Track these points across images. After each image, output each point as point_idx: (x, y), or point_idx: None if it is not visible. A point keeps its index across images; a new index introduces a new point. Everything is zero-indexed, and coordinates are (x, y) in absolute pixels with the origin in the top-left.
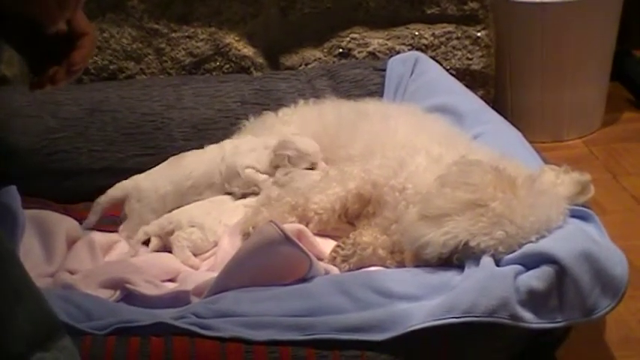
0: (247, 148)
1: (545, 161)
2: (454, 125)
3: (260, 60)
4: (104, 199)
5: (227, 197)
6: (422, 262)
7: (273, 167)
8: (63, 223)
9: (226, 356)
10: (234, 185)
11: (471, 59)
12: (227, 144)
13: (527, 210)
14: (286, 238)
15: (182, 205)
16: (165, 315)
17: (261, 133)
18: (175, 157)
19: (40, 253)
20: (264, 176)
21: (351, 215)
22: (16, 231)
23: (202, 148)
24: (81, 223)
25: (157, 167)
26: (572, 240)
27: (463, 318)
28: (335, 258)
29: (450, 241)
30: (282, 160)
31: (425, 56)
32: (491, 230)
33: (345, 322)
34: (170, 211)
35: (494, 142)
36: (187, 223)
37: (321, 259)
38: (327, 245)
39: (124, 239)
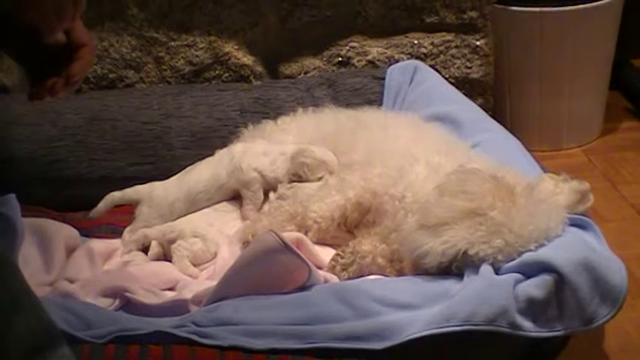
0: (259, 151)
1: (544, 170)
2: (453, 134)
3: (259, 69)
4: (118, 196)
5: (232, 206)
6: (421, 270)
7: (291, 174)
8: (62, 232)
9: None
10: (233, 178)
11: (470, 68)
12: (238, 146)
13: (526, 218)
14: (285, 247)
15: (192, 212)
16: (165, 323)
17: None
18: (190, 166)
19: (39, 261)
20: (260, 194)
21: (351, 224)
22: (15, 239)
23: (201, 156)
24: (80, 232)
25: (173, 177)
26: (572, 249)
27: (462, 326)
28: (334, 266)
29: (449, 250)
30: (301, 168)
31: (424, 65)
32: (490, 239)
33: (344, 331)
34: (176, 219)
35: (493, 151)
36: (191, 233)
37: (320, 268)
38: (326, 254)
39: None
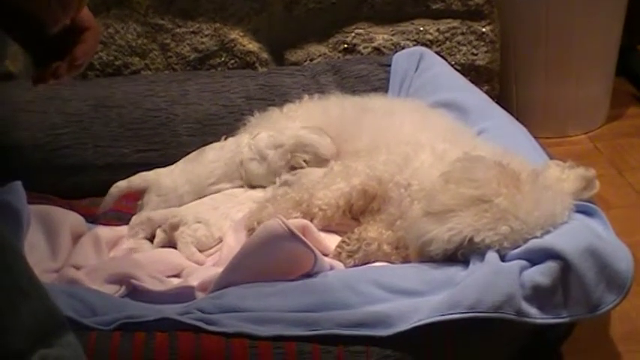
0: (259, 153)
1: (550, 157)
2: (459, 121)
3: (265, 55)
4: (124, 185)
5: (238, 191)
6: (426, 258)
7: (289, 168)
8: (68, 219)
9: (231, 352)
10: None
11: (475, 54)
12: (245, 150)
13: (532, 205)
14: (291, 234)
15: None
16: (171, 310)
17: (266, 129)
18: (195, 153)
19: (45, 248)
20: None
21: (356, 211)
22: (21, 227)
23: (207, 143)
24: (86, 219)
25: (179, 163)
26: (577, 235)
27: (468, 313)
28: (340, 253)
29: (455, 237)
30: (299, 163)
31: (430, 52)
32: (495, 226)
33: (350, 318)
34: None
35: (499, 138)
36: (193, 218)
37: (326, 255)
38: (332, 241)
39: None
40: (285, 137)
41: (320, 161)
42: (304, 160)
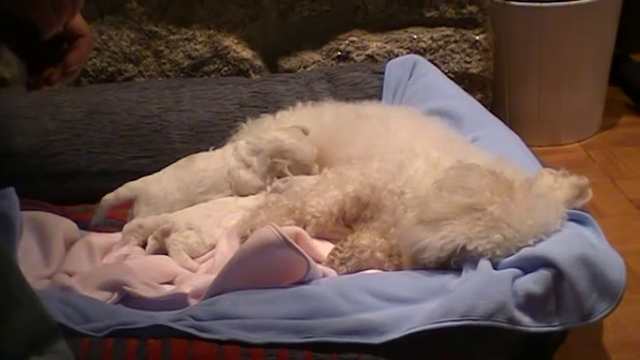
0: (243, 163)
1: (543, 165)
2: (452, 129)
3: (259, 63)
4: (112, 197)
5: (230, 199)
6: (419, 265)
7: (273, 174)
8: (61, 225)
9: (224, 358)
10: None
11: (469, 63)
12: (231, 160)
13: (525, 213)
14: (284, 241)
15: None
16: (163, 317)
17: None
18: (184, 160)
19: (38, 255)
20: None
21: (349, 219)
22: (13, 233)
23: (200, 150)
24: (79, 225)
25: (167, 170)
26: (570, 244)
27: (460, 321)
28: (333, 261)
29: (448, 245)
30: (281, 168)
31: (423, 59)
32: (488, 234)
33: (343, 325)
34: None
35: (492, 146)
36: (185, 225)
37: (319, 262)
38: (325, 248)
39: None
40: (264, 142)
41: (300, 166)
42: (288, 167)
